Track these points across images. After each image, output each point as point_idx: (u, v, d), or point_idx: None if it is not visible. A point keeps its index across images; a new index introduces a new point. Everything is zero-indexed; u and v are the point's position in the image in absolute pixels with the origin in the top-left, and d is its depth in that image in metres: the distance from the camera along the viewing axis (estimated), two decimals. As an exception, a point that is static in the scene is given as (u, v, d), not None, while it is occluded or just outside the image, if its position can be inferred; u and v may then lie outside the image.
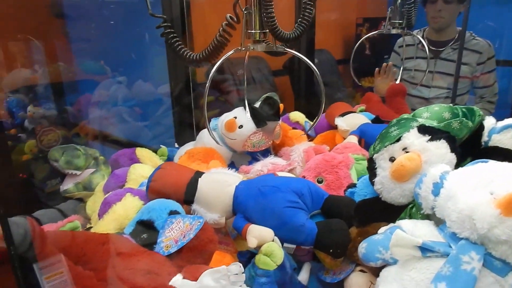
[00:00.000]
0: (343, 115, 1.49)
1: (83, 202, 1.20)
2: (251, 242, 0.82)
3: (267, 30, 1.00)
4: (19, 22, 1.57)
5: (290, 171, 1.15)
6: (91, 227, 1.00)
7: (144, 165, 1.18)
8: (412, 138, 0.84)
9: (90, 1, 1.84)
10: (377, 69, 1.91)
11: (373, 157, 0.89)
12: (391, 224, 0.77)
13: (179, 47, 1.13)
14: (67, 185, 1.21)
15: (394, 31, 1.57)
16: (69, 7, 1.78)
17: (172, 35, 1.13)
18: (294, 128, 1.54)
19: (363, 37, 1.76)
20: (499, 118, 0.95)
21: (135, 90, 1.91)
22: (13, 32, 1.55)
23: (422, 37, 2.03)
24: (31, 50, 1.64)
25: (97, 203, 1.06)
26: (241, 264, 0.72)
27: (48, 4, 1.71)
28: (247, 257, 0.94)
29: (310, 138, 1.56)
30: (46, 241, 0.67)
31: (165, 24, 1.12)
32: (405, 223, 0.73)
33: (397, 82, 1.82)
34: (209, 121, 1.42)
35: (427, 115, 0.92)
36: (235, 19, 0.99)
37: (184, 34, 1.70)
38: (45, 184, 1.48)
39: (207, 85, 0.99)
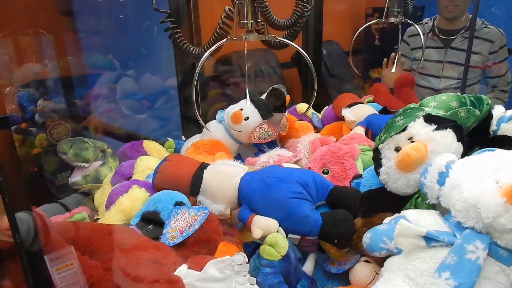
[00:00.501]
0: (350, 106, 1.48)
1: (87, 196, 1.22)
2: (256, 232, 0.83)
3: (259, 20, 1.00)
4: (29, 17, 1.59)
5: (296, 162, 1.15)
6: (98, 219, 1.02)
7: (151, 157, 1.19)
8: (418, 127, 0.83)
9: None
10: (385, 59, 1.88)
11: (379, 147, 0.88)
12: (396, 214, 0.77)
13: (182, 42, 1.13)
14: (76, 178, 1.23)
15: (392, 20, 1.54)
16: (78, 2, 1.80)
17: (175, 31, 1.13)
18: (300, 120, 1.53)
19: (361, 28, 1.72)
20: (512, 107, 0.93)
21: (143, 83, 1.92)
22: (23, 27, 1.57)
23: (433, 26, 1.99)
24: (41, 44, 1.67)
25: (104, 195, 1.07)
26: (245, 254, 0.72)
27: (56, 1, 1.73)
28: (253, 248, 0.94)
29: (317, 129, 1.55)
30: (50, 234, 0.68)
31: (169, 19, 1.12)
32: (410, 213, 0.73)
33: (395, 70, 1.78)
34: (216, 113, 1.42)
35: (434, 104, 0.91)
36: (234, 11, 0.99)
37: (190, 27, 1.69)
38: (55, 177, 1.51)
39: (195, 75, 1.00)
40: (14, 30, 1.55)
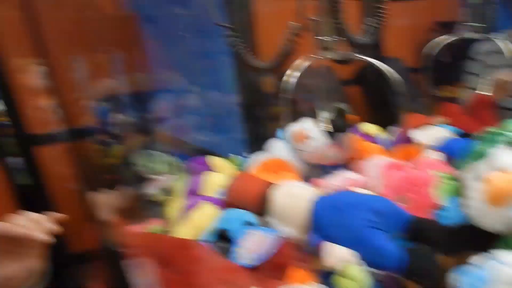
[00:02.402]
0: (419, 127, 1.41)
1: (160, 208, 1.27)
2: (326, 260, 0.80)
3: (338, 38, 0.98)
4: (104, 37, 1.72)
5: (366, 187, 1.11)
6: (168, 232, 1.05)
7: (219, 174, 1.22)
8: (507, 155, 0.76)
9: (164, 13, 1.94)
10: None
11: (462, 176, 0.82)
12: (487, 254, 0.70)
13: (248, 54, 1.15)
14: (148, 189, 1.29)
15: (468, 36, 1.43)
16: (147, 22, 1.91)
17: (240, 44, 1.15)
18: (365, 141, 1.48)
19: (433, 42, 1.61)
20: None
21: (207, 100, 1.99)
22: (97, 44, 1.70)
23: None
24: (115, 62, 1.79)
25: (175, 208, 1.11)
26: (321, 284, 0.70)
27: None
28: (324, 276, 0.91)
29: (384, 151, 1.49)
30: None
31: (233, 33, 1.14)
32: (505, 256, 0.66)
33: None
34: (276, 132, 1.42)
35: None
36: (302, 27, 0.99)
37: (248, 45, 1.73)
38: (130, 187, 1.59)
39: (289, 94, 0.99)
40: (92, 48, 1.68)
